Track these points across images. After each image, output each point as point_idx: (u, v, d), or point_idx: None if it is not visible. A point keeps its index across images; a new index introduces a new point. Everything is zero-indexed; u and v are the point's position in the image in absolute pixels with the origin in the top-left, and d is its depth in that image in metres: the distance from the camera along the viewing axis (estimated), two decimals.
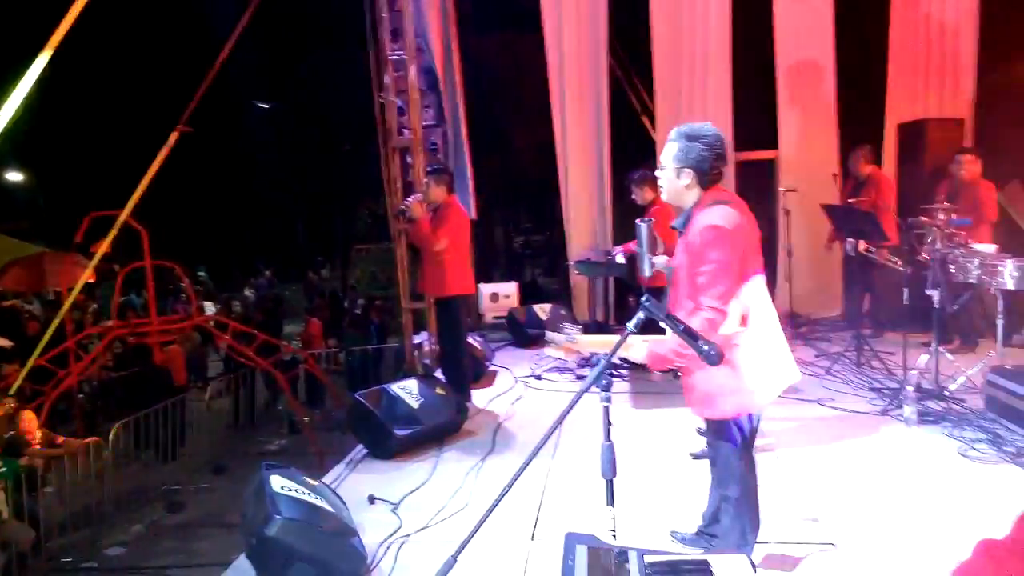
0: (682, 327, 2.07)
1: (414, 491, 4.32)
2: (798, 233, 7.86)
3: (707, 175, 2.81)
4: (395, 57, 8.26)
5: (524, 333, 8.30)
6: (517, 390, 6.49)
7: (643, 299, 2.05)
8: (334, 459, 5.42)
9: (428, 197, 5.81)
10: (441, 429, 5.19)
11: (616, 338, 2.55)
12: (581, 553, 1.35)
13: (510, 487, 1.90)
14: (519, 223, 19.78)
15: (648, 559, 1.38)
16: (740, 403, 2.83)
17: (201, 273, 16.05)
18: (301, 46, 17.94)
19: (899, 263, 5.77)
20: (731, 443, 2.91)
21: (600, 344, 2.80)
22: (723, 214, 2.73)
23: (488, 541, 3.47)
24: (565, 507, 3.98)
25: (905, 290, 5.29)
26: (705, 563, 1.39)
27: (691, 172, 2.80)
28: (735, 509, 2.97)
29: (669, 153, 2.85)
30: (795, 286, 7.93)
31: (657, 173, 2.96)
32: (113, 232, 8.01)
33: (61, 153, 17.45)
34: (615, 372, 6.66)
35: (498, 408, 5.99)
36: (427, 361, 8.03)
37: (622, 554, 1.36)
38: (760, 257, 2.89)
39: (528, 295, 11.55)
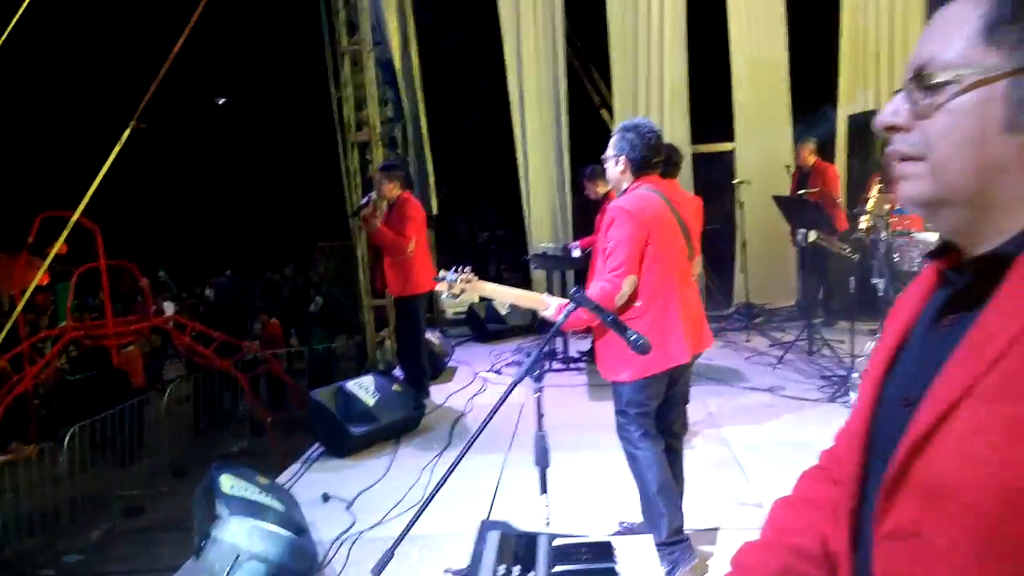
0: (610, 317, 2.10)
1: (368, 488, 4.33)
2: (752, 225, 7.97)
3: (638, 163, 3.05)
4: (351, 51, 8.23)
5: (484, 328, 8.33)
6: (476, 385, 6.51)
7: (573, 291, 2.08)
8: (296, 459, 5.41)
9: (381, 194, 5.81)
10: (398, 426, 5.20)
11: (511, 290, 3.00)
12: (492, 538, 1.39)
13: (444, 482, 1.93)
14: (483, 217, 19.78)
15: (556, 543, 1.42)
16: (631, 371, 3.01)
17: (161, 273, 15.79)
18: (257, 39, 17.73)
19: (848, 250, 5.89)
20: (618, 407, 3.11)
21: (492, 292, 3.03)
22: (632, 199, 3.00)
23: (442, 533, 3.50)
24: (519, 498, 4.02)
25: (852, 279, 5.40)
26: (608, 544, 1.43)
27: (625, 160, 3.05)
28: (637, 478, 3.10)
29: (611, 143, 3.10)
30: (750, 277, 8.05)
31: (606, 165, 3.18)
32: (65, 232, 7.87)
33: (10, 152, 17.07)
34: (572, 364, 6.72)
35: (457, 404, 6.01)
36: (388, 358, 8.05)
37: (531, 539, 1.40)
38: (676, 244, 3.11)
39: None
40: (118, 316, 9.42)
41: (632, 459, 3.11)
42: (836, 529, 0.94)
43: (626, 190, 3.10)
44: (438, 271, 3.02)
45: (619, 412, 3.12)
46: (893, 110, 0.84)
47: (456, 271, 2.89)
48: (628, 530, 3.49)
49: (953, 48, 0.78)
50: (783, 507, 1.12)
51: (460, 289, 2.89)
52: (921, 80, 0.80)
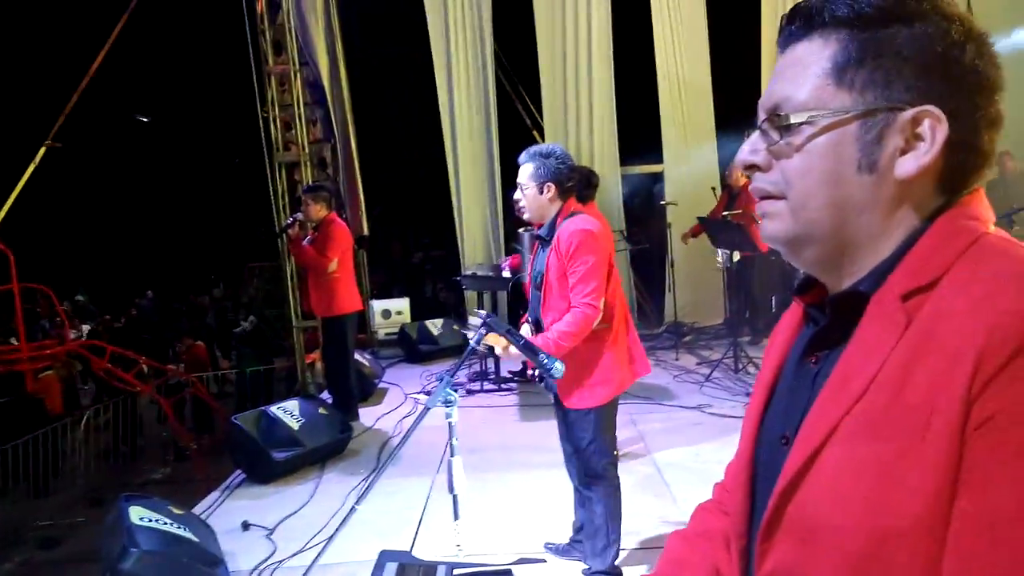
0: (522, 341, 2.10)
1: (291, 515, 4.22)
2: (680, 245, 8.11)
3: (564, 187, 3.05)
4: (278, 70, 8.14)
5: (416, 349, 8.26)
6: (406, 407, 6.44)
7: (485, 315, 2.07)
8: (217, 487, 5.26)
9: (306, 215, 5.75)
10: (324, 450, 5.10)
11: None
12: (390, 569, 1.36)
13: (353, 511, 1.89)
14: (418, 238, 19.69)
15: (456, 572, 1.40)
16: (605, 393, 2.99)
17: (80, 297, 15.24)
18: (182, 57, 17.37)
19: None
20: (591, 436, 3.02)
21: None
22: (588, 220, 2.99)
23: (363, 560, 3.43)
24: (444, 523, 3.97)
25: (773, 298, 5.54)
26: (508, 572, 1.42)
27: (552, 186, 3.03)
28: (606, 501, 3.05)
29: (526, 173, 3.06)
30: (679, 296, 8.17)
31: (516, 196, 3.11)
32: None
33: None
34: (504, 385, 6.71)
35: (386, 426, 5.93)
36: (320, 380, 7.91)
37: (430, 568, 1.38)
38: (613, 263, 3.14)
39: (428, 310, 11.50)
40: (33, 341, 9.05)
41: (600, 490, 3.05)
42: (729, 564, 0.94)
43: (558, 215, 3.06)
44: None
45: (591, 443, 3.01)
46: (752, 149, 0.85)
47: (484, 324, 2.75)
48: (554, 551, 3.48)
49: (805, 89, 0.79)
50: (677, 540, 1.11)
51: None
52: (776, 120, 0.81)
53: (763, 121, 0.83)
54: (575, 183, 3.11)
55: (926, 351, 0.68)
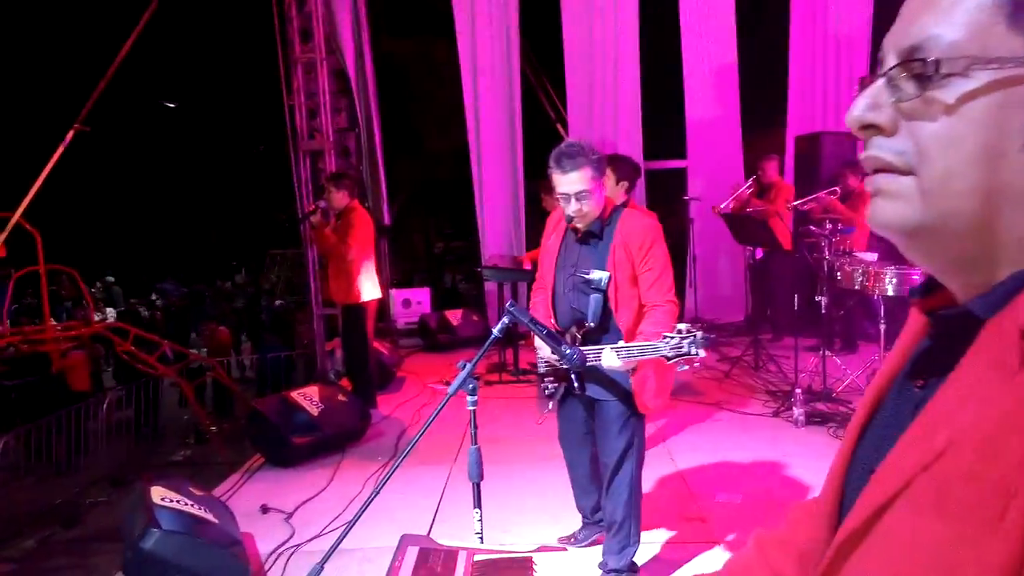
0: (545, 331, 2.10)
1: (309, 500, 4.26)
2: (703, 241, 8.07)
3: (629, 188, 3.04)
4: (305, 59, 8.17)
5: (435, 339, 8.28)
6: (424, 396, 6.47)
7: (508, 304, 2.07)
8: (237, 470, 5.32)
9: (330, 203, 5.77)
10: (342, 436, 5.14)
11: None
12: (411, 553, 1.37)
13: (375, 495, 1.89)
14: (440, 228, 19.73)
15: (477, 558, 1.41)
16: (660, 402, 2.98)
17: (110, 278, 15.42)
18: (210, 45, 17.48)
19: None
20: (636, 437, 2.98)
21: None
22: (646, 212, 2.94)
23: (382, 546, 3.46)
24: (462, 511, 3.99)
25: (796, 296, 5.50)
26: (529, 560, 1.43)
27: (628, 184, 2.96)
28: (631, 505, 3.04)
29: (586, 177, 2.77)
30: (700, 292, 8.14)
31: (573, 209, 2.82)
32: (4, 235, 7.64)
33: None
34: (523, 378, 6.72)
35: (404, 415, 5.96)
36: (339, 368, 7.95)
37: (451, 554, 1.38)
38: None
39: (448, 301, 11.54)
40: (57, 322, 9.17)
41: (634, 485, 3.03)
42: None
43: (620, 210, 2.96)
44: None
45: (636, 448, 2.98)
46: (871, 103, 0.63)
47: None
48: (568, 545, 3.48)
49: (961, 27, 0.57)
50: (745, 554, 0.96)
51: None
52: (914, 68, 0.59)
53: (893, 67, 0.61)
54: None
55: None
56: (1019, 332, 0.54)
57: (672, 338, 2.32)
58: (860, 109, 0.63)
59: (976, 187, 0.58)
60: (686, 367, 2.38)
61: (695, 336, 2.32)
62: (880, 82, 0.62)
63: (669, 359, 2.37)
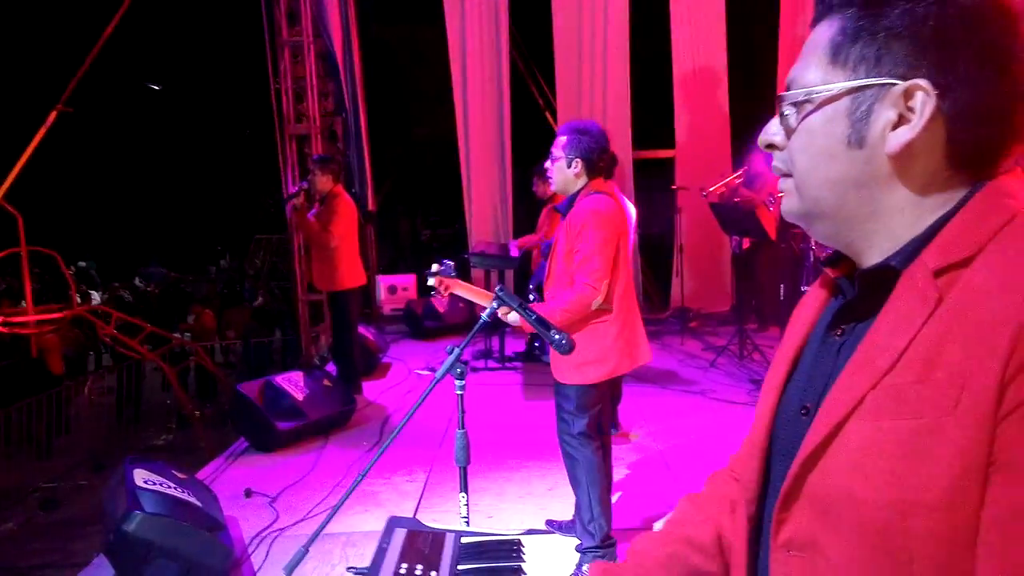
0: (534, 316, 2.09)
1: (293, 485, 4.24)
2: (690, 230, 8.08)
3: (593, 165, 3.06)
4: (292, 42, 8.10)
5: (421, 325, 8.27)
6: (410, 383, 6.46)
7: (497, 288, 2.06)
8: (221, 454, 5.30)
9: (314, 186, 5.72)
10: (326, 422, 5.12)
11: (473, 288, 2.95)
12: (399, 535, 1.36)
13: (361, 479, 1.88)
14: (426, 215, 19.69)
15: (464, 540, 1.40)
16: (596, 374, 3.00)
17: (83, 263, 15.28)
18: (195, 26, 17.30)
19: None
20: (568, 408, 3.05)
21: (468, 290, 2.99)
22: (601, 201, 2.99)
23: (366, 531, 3.46)
24: (447, 496, 3.99)
25: (782, 286, 5.52)
26: (517, 542, 1.42)
27: (580, 162, 3.05)
28: (587, 477, 3.06)
29: (560, 144, 3.08)
30: (686, 282, 8.16)
31: (547, 164, 3.15)
32: None
33: None
34: (508, 364, 6.72)
35: (389, 401, 5.95)
36: (324, 353, 7.92)
37: (439, 536, 1.37)
38: (628, 248, 3.16)
39: (430, 287, 11.49)
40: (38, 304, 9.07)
41: (572, 461, 3.07)
42: (733, 526, 0.95)
43: (580, 192, 3.07)
44: (428, 268, 3.04)
45: (569, 414, 3.05)
46: (772, 129, 0.86)
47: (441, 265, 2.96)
48: (557, 528, 3.49)
49: (810, 69, 0.81)
50: (685, 502, 1.12)
51: (442, 288, 2.96)
52: (784, 98, 0.83)
53: (778, 101, 0.84)
54: (606, 165, 3.13)
55: (958, 328, 0.67)
56: (931, 273, 0.72)
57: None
58: (764, 133, 0.87)
59: (824, 180, 0.80)
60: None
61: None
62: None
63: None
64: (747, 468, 0.92)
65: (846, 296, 0.85)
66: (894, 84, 0.74)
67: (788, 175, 0.84)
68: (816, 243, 5.31)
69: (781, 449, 0.86)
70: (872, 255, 0.80)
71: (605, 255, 2.92)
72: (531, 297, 3.04)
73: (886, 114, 0.75)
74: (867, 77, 0.76)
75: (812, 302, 0.93)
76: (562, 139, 3.08)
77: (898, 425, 0.69)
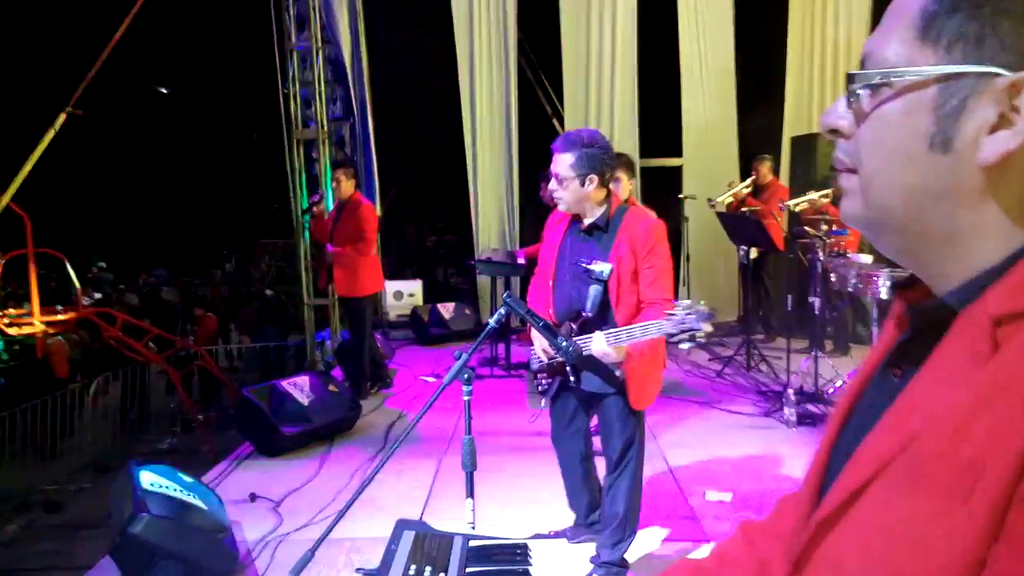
0: (542, 323, 2.09)
1: (298, 489, 4.24)
2: (696, 239, 8.07)
3: (606, 177, 2.91)
4: (301, 47, 8.13)
5: (426, 332, 8.26)
6: (415, 389, 6.45)
7: (504, 295, 2.06)
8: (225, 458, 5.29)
9: (338, 192, 5.72)
10: (332, 427, 5.12)
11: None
12: (407, 538, 1.35)
13: (367, 483, 1.88)
14: (433, 221, 19.72)
15: (472, 543, 1.40)
16: (656, 391, 3.02)
17: (101, 263, 15.30)
18: (205, 31, 17.37)
19: None
20: (637, 431, 3.03)
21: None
22: (650, 213, 3.04)
23: (370, 536, 3.45)
24: (451, 502, 3.98)
25: (789, 297, 5.51)
26: (524, 547, 1.41)
27: (595, 177, 2.88)
28: (631, 501, 3.05)
29: (566, 164, 2.87)
30: (693, 291, 8.14)
31: (552, 187, 2.94)
32: None
33: None
34: (514, 372, 6.71)
35: (394, 407, 5.94)
36: (329, 358, 7.92)
37: (447, 539, 1.37)
38: None
39: (440, 294, 11.52)
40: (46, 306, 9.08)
41: (635, 481, 3.06)
42: None
43: (612, 208, 2.95)
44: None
45: (637, 439, 3.03)
46: (839, 111, 0.71)
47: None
48: (562, 535, 3.48)
49: (891, 44, 0.65)
50: (711, 558, 1.00)
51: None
52: (859, 78, 0.67)
53: (848, 79, 0.68)
54: (614, 170, 3.08)
55: (998, 396, 0.55)
56: (990, 321, 0.58)
57: (674, 315, 2.33)
58: (829, 115, 0.71)
59: (895, 184, 0.65)
60: (691, 344, 2.46)
61: (698, 310, 2.33)
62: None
63: (672, 336, 2.43)
64: (798, 513, 0.80)
65: (905, 332, 0.73)
66: (998, 75, 0.59)
67: (852, 171, 0.69)
68: (824, 254, 5.29)
69: None
70: (942, 284, 0.67)
71: (672, 269, 2.95)
72: (572, 328, 2.87)
73: (983, 112, 0.60)
74: (964, 62, 0.60)
75: (886, 334, 0.79)
76: (566, 158, 2.86)
77: (908, 506, 0.59)
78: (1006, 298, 0.59)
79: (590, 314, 2.78)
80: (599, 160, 2.86)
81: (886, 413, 0.65)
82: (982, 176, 0.61)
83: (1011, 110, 0.59)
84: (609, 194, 2.96)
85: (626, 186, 4.39)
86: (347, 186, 5.69)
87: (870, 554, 0.61)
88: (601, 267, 2.82)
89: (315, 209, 5.74)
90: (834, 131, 0.71)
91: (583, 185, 2.87)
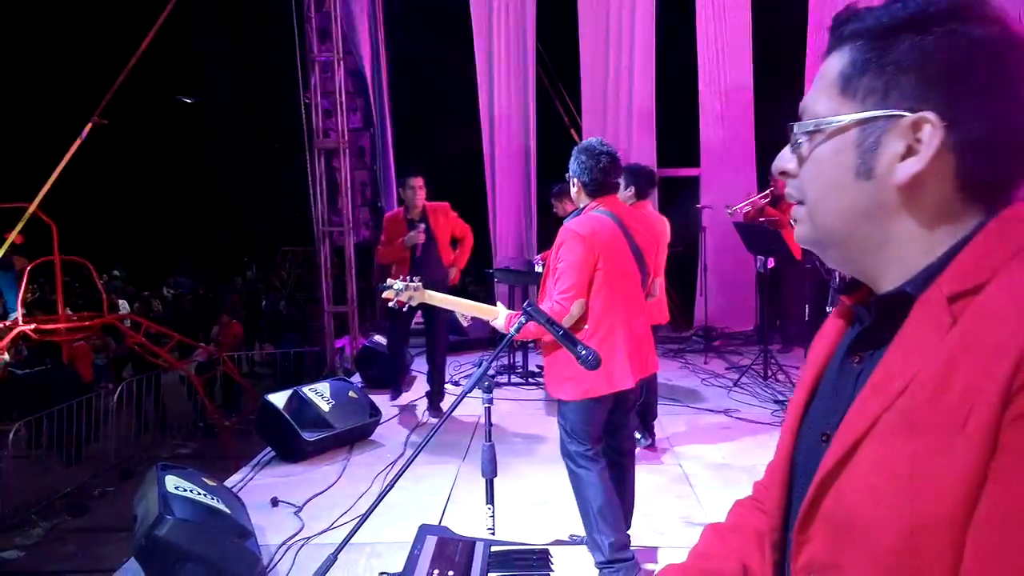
0: (561, 332, 2.13)
1: (319, 495, 4.29)
2: (714, 250, 8.08)
3: (589, 185, 3.08)
4: (322, 58, 8.24)
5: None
6: None
7: (525, 304, 2.11)
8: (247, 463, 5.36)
9: (415, 202, 5.68)
10: (353, 433, 5.17)
11: (462, 300, 3.17)
12: (430, 543, 1.40)
13: (390, 488, 1.92)
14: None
15: (494, 549, 1.44)
16: (572, 391, 3.03)
17: (116, 272, 15.50)
18: (228, 43, 17.59)
19: None
20: (561, 425, 3.13)
21: (441, 301, 3.17)
22: (584, 221, 3.04)
23: (390, 541, 3.49)
24: (470, 508, 4.02)
25: (807, 306, 5.51)
26: (546, 552, 1.45)
27: (577, 182, 3.10)
28: (577, 496, 3.08)
29: (569, 165, 3.14)
30: (710, 301, 8.15)
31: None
32: (20, 225, 7.73)
33: None
34: (531, 380, 6.74)
35: (412, 414, 6.00)
36: (348, 365, 7.98)
37: (469, 544, 1.41)
38: (626, 269, 3.15)
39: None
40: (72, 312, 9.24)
41: (574, 477, 3.11)
42: (761, 559, 0.96)
43: (581, 211, 3.14)
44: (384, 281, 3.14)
45: (561, 428, 3.14)
46: (786, 156, 0.87)
47: (405, 281, 3.06)
48: (581, 541, 3.50)
49: (821, 99, 0.82)
50: (709, 533, 1.13)
51: (408, 296, 2.97)
52: (799, 127, 0.84)
53: (789, 129, 0.85)
54: (609, 181, 3.14)
55: (969, 351, 0.69)
56: (945, 299, 0.73)
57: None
58: (779, 160, 0.88)
59: (833, 209, 0.82)
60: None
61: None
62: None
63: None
64: (770, 496, 0.94)
65: (863, 324, 0.86)
66: (902, 116, 0.75)
67: (801, 203, 0.86)
68: None
69: (802, 476, 0.87)
70: (885, 282, 0.82)
71: (579, 274, 2.96)
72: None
73: (894, 145, 0.76)
74: (875, 109, 0.77)
75: (830, 331, 0.94)
76: (572, 160, 3.15)
77: (908, 447, 0.70)
78: (955, 282, 0.74)
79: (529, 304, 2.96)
80: (583, 166, 3.08)
81: (867, 384, 0.77)
82: (899, 195, 0.78)
83: (915, 141, 0.75)
84: (592, 201, 3.13)
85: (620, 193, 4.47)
86: (422, 195, 5.70)
87: (879, 491, 0.72)
88: (539, 265, 3.12)
89: (420, 242, 5.48)
90: (784, 172, 0.88)
91: (572, 186, 3.16)
